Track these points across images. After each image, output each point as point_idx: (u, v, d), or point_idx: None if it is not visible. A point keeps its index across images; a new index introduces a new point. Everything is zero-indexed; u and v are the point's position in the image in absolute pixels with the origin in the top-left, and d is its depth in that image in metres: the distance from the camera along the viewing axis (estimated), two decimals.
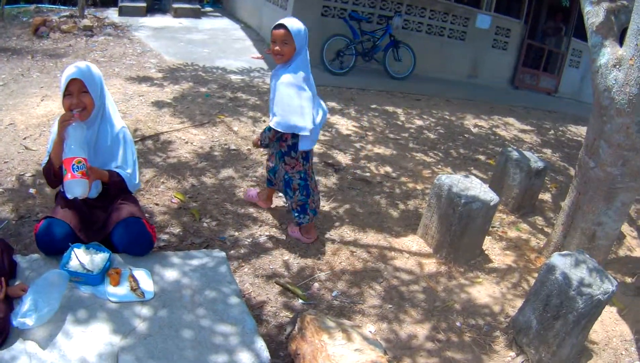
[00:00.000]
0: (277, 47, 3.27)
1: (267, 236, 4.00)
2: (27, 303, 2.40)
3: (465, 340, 3.35)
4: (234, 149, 5.39)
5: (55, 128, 2.86)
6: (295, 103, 3.29)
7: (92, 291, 2.66)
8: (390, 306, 3.47)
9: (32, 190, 4.28)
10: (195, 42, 10.06)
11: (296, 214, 3.75)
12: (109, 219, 3.00)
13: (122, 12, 11.66)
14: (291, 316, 3.15)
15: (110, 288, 2.66)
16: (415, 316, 3.45)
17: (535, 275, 3.85)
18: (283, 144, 3.52)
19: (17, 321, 2.33)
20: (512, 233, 4.84)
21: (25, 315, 2.34)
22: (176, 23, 11.36)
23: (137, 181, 3.13)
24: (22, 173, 4.56)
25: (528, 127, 8.78)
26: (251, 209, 4.33)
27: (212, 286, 2.77)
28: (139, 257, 2.96)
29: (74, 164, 2.68)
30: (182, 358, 2.28)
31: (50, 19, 9.85)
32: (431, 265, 4.02)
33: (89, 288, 2.66)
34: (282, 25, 3.26)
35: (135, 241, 2.94)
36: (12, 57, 8.18)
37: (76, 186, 2.70)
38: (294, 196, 3.69)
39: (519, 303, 3.63)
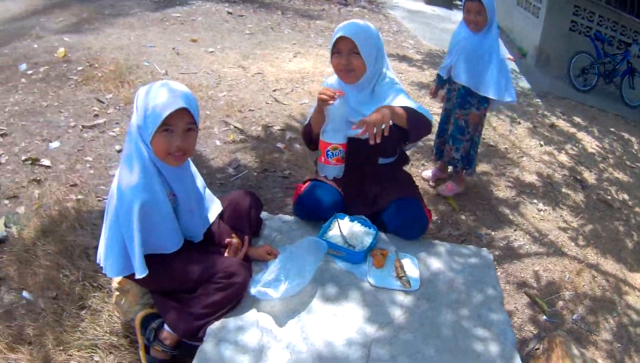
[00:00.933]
0: (472, 17, 3.41)
1: (521, 242, 3.72)
2: (273, 271, 2.12)
3: None
4: (492, 145, 5.07)
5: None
6: (509, 74, 3.54)
7: (351, 269, 2.35)
8: (619, 345, 3.10)
9: (280, 144, 4.14)
10: (450, 32, 9.59)
11: (460, 164, 3.84)
12: (382, 194, 2.66)
13: None
14: (534, 331, 2.98)
15: (372, 270, 2.33)
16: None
17: None
18: (473, 100, 3.64)
19: (257, 289, 2.06)
20: None
21: (270, 285, 2.07)
22: (429, 9, 11.31)
23: (430, 116, 2.62)
24: (270, 125, 4.46)
25: None
26: (507, 211, 4.00)
27: (478, 287, 2.40)
28: (407, 241, 2.61)
29: (328, 150, 2.55)
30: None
31: None
32: None
33: (347, 265, 2.37)
34: None
35: (410, 223, 2.58)
36: (259, 10, 8.45)
37: (329, 171, 2.63)
38: (462, 145, 3.76)
39: None
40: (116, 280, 2.26)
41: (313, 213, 2.57)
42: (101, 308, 2.48)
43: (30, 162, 3.55)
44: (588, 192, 4.70)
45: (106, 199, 3.10)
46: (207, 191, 2.38)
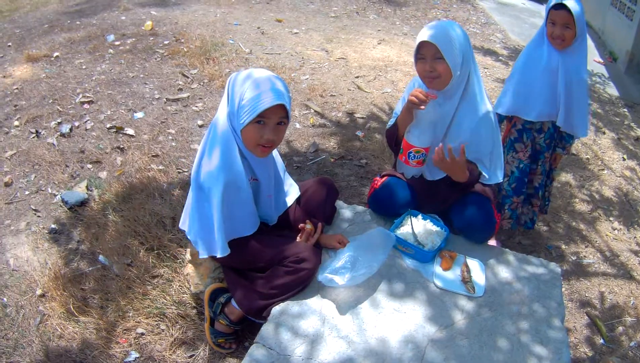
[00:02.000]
0: (557, 31, 2.87)
1: (591, 259, 3.67)
2: (342, 259, 2.24)
3: None
4: (573, 153, 4.93)
5: (406, 94, 2.57)
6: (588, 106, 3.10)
7: (418, 267, 2.45)
8: None
9: (359, 132, 4.25)
10: (539, 26, 9.44)
11: (531, 223, 3.46)
12: (453, 191, 2.71)
13: None
14: (589, 353, 2.95)
15: (439, 271, 2.41)
16: None
17: None
18: (558, 139, 3.22)
19: (323, 276, 2.19)
20: None
21: (337, 272, 2.19)
22: (519, 3, 11.03)
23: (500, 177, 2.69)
24: (351, 112, 4.58)
25: None
26: (582, 226, 3.93)
27: (542, 301, 2.42)
28: (475, 244, 2.67)
29: (410, 152, 2.49)
30: None
31: None
32: None
33: (415, 263, 2.47)
34: (563, 6, 2.81)
35: (478, 223, 2.63)
36: None
37: (408, 171, 2.62)
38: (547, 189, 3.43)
39: None
40: (190, 252, 2.45)
41: (387, 208, 2.70)
42: (172, 278, 2.67)
43: (114, 130, 3.84)
44: None
45: (186, 171, 3.39)
46: (287, 175, 2.52)
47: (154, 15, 6.16)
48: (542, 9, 11.06)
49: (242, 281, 2.28)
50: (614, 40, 9.41)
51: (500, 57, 7.01)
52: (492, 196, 2.76)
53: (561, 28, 2.84)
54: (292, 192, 2.49)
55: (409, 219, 2.61)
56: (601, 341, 3.07)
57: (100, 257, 2.80)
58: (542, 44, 2.98)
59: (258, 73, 2.03)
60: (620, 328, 3.20)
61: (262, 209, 2.31)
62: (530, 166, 3.21)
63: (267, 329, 2.07)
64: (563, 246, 3.67)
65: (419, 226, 2.59)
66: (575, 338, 3.03)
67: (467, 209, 2.62)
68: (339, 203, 2.82)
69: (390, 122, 2.72)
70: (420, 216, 2.64)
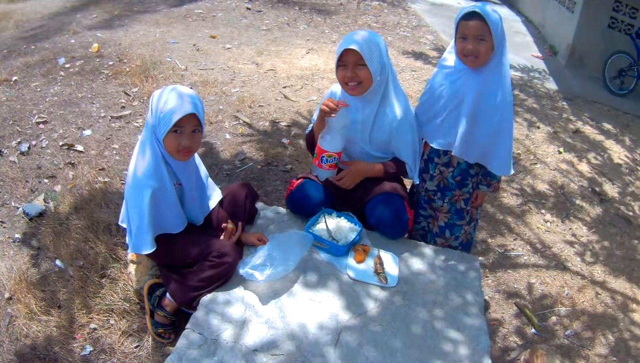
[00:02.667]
0: (469, 46, 2.49)
1: (520, 252, 3.85)
2: (261, 256, 2.44)
3: None
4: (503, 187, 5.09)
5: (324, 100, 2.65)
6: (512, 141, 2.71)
7: (332, 261, 2.61)
8: (615, 359, 3.22)
9: (285, 140, 4.44)
10: None
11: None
12: (368, 190, 2.82)
13: None
14: (520, 342, 3.13)
15: (352, 263, 2.58)
16: None
17: None
18: (479, 176, 2.84)
19: (244, 271, 2.39)
20: None
21: (256, 268, 2.38)
22: (455, 2, 11.29)
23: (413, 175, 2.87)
24: (277, 120, 4.75)
25: None
26: (509, 219, 4.12)
27: (457, 291, 2.57)
28: (389, 240, 2.81)
29: (323, 156, 2.65)
30: (404, 356, 2.18)
31: None
32: None
33: (330, 257, 2.64)
34: (475, 14, 2.48)
35: (391, 219, 2.72)
36: (277, 5, 8.73)
37: (321, 174, 2.74)
38: (462, 231, 2.99)
39: None
40: (130, 253, 2.72)
41: (301, 207, 2.81)
42: (118, 277, 2.97)
43: (66, 147, 4.20)
44: (607, 206, 4.72)
45: None
46: (210, 180, 2.77)
47: (100, 37, 6.48)
48: None
49: (174, 276, 2.53)
50: (554, 34, 9.57)
51: (431, 59, 7.22)
52: (404, 193, 2.82)
53: (474, 41, 2.48)
54: (214, 196, 2.74)
55: (324, 217, 2.71)
56: (533, 331, 3.21)
57: (57, 261, 3.13)
58: (451, 65, 2.69)
59: (172, 88, 2.33)
60: (554, 318, 3.36)
61: (187, 211, 2.56)
62: (432, 201, 2.94)
63: (198, 315, 2.28)
64: (489, 240, 3.82)
65: (332, 223, 2.70)
66: (504, 328, 3.18)
67: (377, 208, 2.73)
68: (261, 205, 2.99)
69: (309, 129, 2.93)
70: (334, 214, 2.76)
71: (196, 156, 2.58)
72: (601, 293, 3.69)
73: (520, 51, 8.84)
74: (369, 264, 2.56)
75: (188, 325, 2.22)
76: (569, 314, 3.44)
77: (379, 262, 2.54)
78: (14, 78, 5.30)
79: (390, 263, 2.59)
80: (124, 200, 2.50)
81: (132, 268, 2.75)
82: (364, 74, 2.51)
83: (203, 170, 2.70)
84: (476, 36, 2.44)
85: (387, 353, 2.16)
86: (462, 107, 2.59)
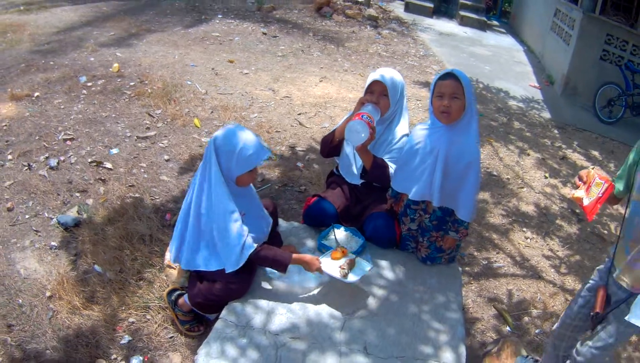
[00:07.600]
0: (445, 103, 2.84)
1: (501, 264, 4.31)
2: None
3: None
4: (494, 175, 5.67)
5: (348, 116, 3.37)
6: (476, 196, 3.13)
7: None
8: None
9: (300, 164, 5.00)
10: (478, 56, 10.37)
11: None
12: (365, 210, 3.54)
13: (408, 9, 12.44)
14: (495, 337, 3.56)
15: (326, 260, 3.04)
16: None
17: None
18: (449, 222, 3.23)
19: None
20: None
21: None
22: (461, 32, 11.74)
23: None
24: (293, 145, 5.32)
25: None
26: (495, 236, 4.59)
27: (442, 291, 3.20)
28: (387, 250, 3.45)
29: (363, 115, 3.07)
30: (396, 340, 2.78)
31: (335, 1, 10.77)
32: None
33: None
34: (450, 75, 2.87)
35: (381, 233, 3.40)
36: (292, 31, 9.21)
37: (357, 125, 3.01)
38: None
39: None
40: (167, 259, 3.17)
41: (316, 221, 3.51)
42: (154, 280, 3.44)
43: (95, 164, 4.57)
44: (584, 225, 5.14)
45: (157, 199, 4.19)
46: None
47: (119, 57, 6.81)
48: (483, 37, 11.82)
49: (198, 284, 2.99)
50: (552, 64, 10.03)
51: None
52: (393, 214, 3.46)
53: (449, 99, 2.82)
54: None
55: (333, 231, 3.37)
56: (507, 328, 3.69)
57: (96, 266, 3.53)
58: (428, 126, 3.07)
59: (243, 131, 2.81)
60: (527, 319, 3.83)
61: (254, 231, 2.94)
62: (414, 237, 3.37)
63: (232, 304, 2.86)
64: (475, 253, 4.32)
65: (340, 235, 3.36)
66: (482, 325, 3.67)
67: (372, 223, 3.42)
68: (280, 220, 3.60)
69: (331, 130, 3.50)
70: (342, 228, 3.41)
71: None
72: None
73: (520, 80, 9.33)
74: (340, 263, 2.99)
75: (223, 313, 2.79)
76: (540, 316, 3.87)
77: (348, 264, 2.97)
78: (36, 94, 5.61)
79: (361, 267, 3.04)
80: (188, 232, 2.88)
81: (168, 271, 3.23)
82: (384, 103, 3.29)
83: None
84: (451, 94, 2.81)
85: (382, 337, 2.75)
86: (436, 163, 2.94)
